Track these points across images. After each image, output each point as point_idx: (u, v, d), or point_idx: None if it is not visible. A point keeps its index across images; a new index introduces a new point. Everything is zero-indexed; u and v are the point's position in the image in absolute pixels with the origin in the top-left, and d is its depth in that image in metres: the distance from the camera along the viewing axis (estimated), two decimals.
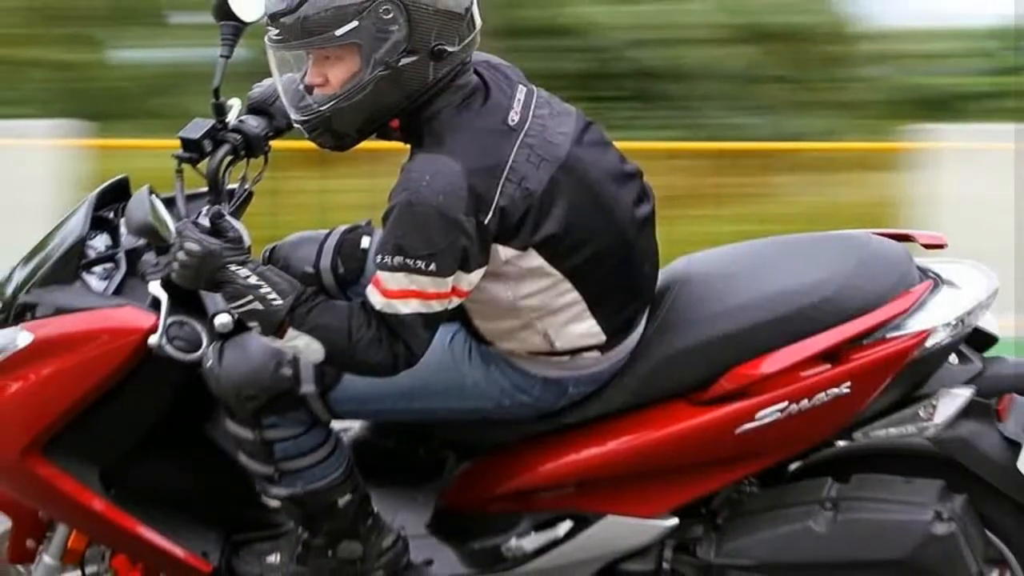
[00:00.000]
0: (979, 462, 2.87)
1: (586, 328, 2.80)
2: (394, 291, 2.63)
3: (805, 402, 2.81)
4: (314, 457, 2.89)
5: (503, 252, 2.68)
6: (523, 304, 2.75)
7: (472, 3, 2.69)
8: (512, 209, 2.65)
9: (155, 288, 2.86)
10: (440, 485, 3.09)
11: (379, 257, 2.64)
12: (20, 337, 2.91)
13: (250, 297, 2.66)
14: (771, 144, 8.68)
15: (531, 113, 2.74)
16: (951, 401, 2.87)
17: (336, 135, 2.72)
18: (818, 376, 2.81)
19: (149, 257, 2.96)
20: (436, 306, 2.65)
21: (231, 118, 2.95)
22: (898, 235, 3.05)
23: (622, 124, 8.86)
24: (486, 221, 2.62)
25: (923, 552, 2.81)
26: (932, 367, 2.87)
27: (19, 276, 3.03)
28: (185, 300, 2.86)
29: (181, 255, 2.67)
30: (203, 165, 2.89)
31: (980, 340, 2.95)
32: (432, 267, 2.60)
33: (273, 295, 2.66)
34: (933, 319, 2.83)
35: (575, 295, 2.76)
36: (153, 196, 2.73)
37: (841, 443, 2.99)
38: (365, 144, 2.77)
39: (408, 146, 2.74)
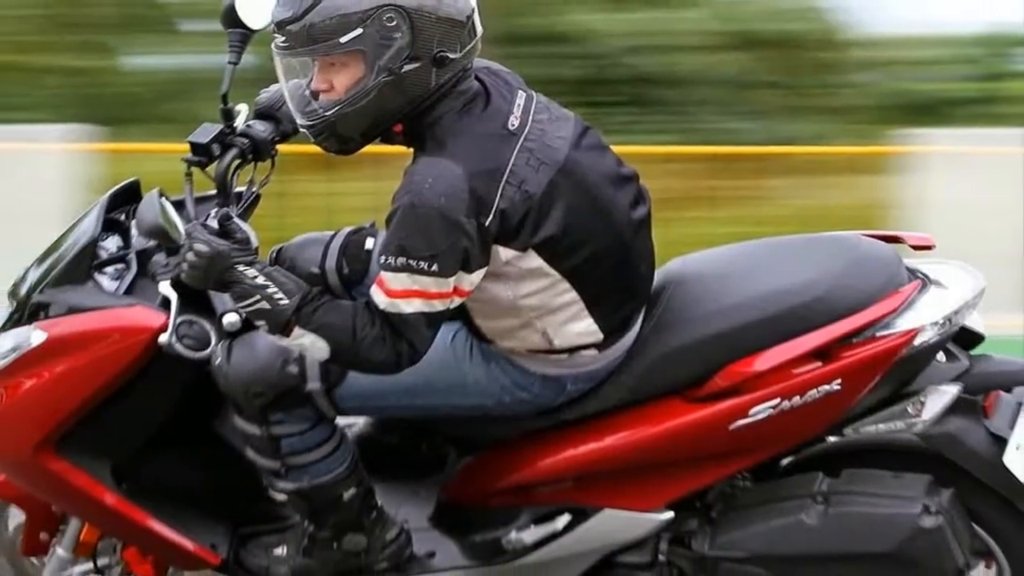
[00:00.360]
0: (966, 457, 2.87)
1: (584, 327, 2.80)
2: (397, 291, 2.63)
3: (797, 399, 2.81)
4: (320, 452, 2.89)
5: (503, 253, 2.68)
6: (523, 303, 2.75)
7: (473, 11, 2.69)
8: (512, 211, 2.65)
9: (165, 288, 2.86)
10: (442, 479, 3.09)
11: (383, 258, 2.64)
12: (34, 335, 2.91)
13: (257, 297, 2.66)
14: (764, 148, 8.67)
15: (531, 118, 2.74)
16: (939, 398, 2.87)
17: (341, 139, 2.72)
18: (810, 373, 2.81)
19: (159, 258, 2.95)
20: (438, 305, 2.65)
21: (239, 123, 2.95)
22: (887, 236, 3.04)
23: (619, 129, 8.86)
24: (487, 223, 2.62)
25: (911, 544, 2.81)
26: (920, 365, 2.87)
27: (33, 276, 3.03)
28: (194, 300, 2.86)
29: (190, 256, 2.67)
30: (212, 169, 2.90)
31: (967, 338, 2.95)
32: (434, 267, 2.60)
33: (280, 295, 2.66)
34: (921, 318, 2.83)
35: (573, 295, 2.76)
36: (163, 199, 2.73)
37: (832, 439, 2.98)
38: (369, 148, 2.77)
39: (411, 150, 2.74)
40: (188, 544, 2.99)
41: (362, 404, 2.93)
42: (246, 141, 2.93)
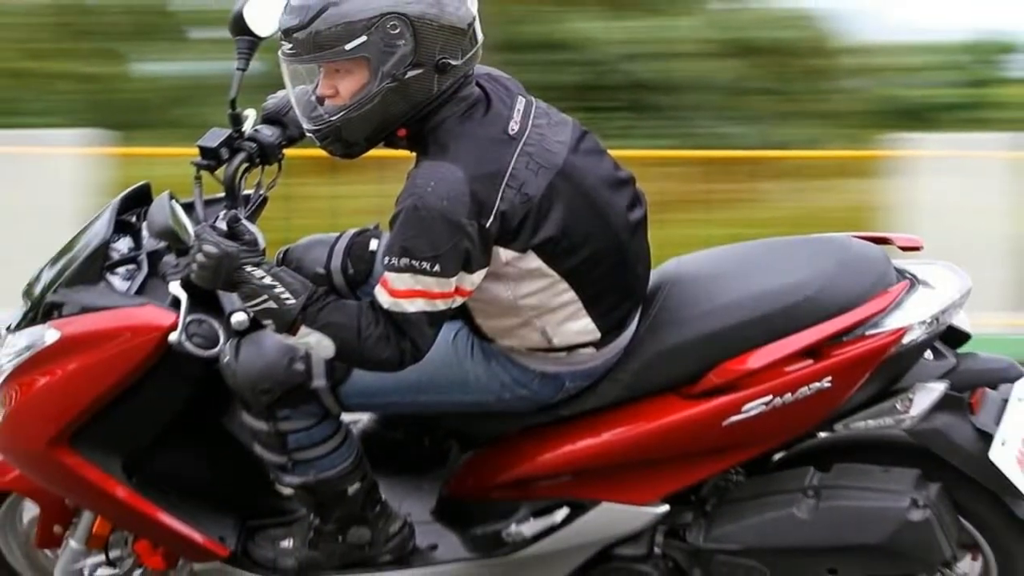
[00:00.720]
0: (953, 452, 2.87)
1: (582, 326, 2.80)
2: (401, 291, 2.63)
3: (788, 396, 2.81)
4: (325, 447, 2.89)
5: (503, 254, 2.68)
6: (522, 303, 2.75)
7: (474, 19, 2.69)
8: (512, 213, 2.65)
9: (175, 288, 2.86)
10: (444, 474, 3.09)
11: (386, 259, 2.64)
12: (48, 334, 2.91)
13: (265, 296, 2.66)
14: (757, 152, 8.66)
15: (530, 123, 2.74)
16: (926, 395, 2.87)
17: (346, 144, 2.72)
18: (801, 371, 2.81)
19: (169, 259, 2.95)
20: (440, 305, 2.65)
21: (247, 127, 2.95)
22: (877, 238, 3.05)
23: (616, 133, 8.86)
24: (487, 224, 2.63)
25: (900, 537, 2.82)
26: (908, 363, 2.87)
27: (47, 276, 3.03)
28: (203, 299, 2.86)
29: (200, 257, 2.67)
30: (220, 172, 2.90)
31: (954, 337, 2.95)
32: (436, 268, 2.60)
33: (286, 295, 2.66)
34: (910, 317, 2.83)
35: (572, 295, 2.77)
36: (173, 201, 2.73)
37: (823, 434, 2.99)
38: (373, 152, 2.77)
39: (414, 154, 2.75)
40: (197, 536, 2.99)
41: (366, 401, 2.93)
42: (254, 145, 2.94)
